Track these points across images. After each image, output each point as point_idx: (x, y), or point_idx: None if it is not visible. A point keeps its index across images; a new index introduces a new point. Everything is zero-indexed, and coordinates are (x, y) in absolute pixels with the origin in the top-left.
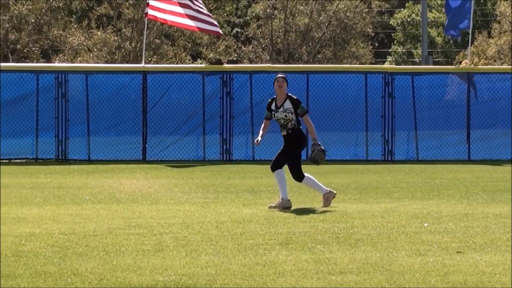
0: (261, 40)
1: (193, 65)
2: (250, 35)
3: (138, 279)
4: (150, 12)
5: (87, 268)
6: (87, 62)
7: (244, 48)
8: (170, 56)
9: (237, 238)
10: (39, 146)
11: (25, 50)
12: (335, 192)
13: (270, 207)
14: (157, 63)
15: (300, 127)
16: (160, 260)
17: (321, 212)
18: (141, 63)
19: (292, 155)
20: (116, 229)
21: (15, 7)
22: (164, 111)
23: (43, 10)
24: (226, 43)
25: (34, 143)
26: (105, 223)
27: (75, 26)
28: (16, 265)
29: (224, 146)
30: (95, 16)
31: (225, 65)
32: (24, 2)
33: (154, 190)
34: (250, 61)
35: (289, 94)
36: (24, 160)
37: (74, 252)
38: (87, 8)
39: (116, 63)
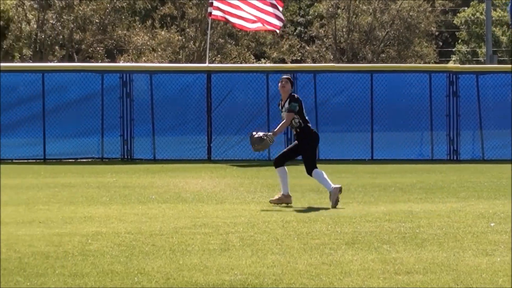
0: (324, 39)
1: (257, 64)
2: (314, 34)
3: (204, 279)
4: (214, 12)
5: (153, 267)
6: (151, 61)
7: (307, 48)
8: (234, 56)
9: (303, 238)
10: (105, 146)
11: (89, 50)
12: (339, 186)
13: (271, 201)
14: (221, 63)
15: (309, 124)
16: (226, 259)
17: (386, 212)
18: (205, 63)
19: (305, 151)
20: (182, 228)
21: (80, 7)
22: (229, 110)
23: (107, 10)
24: (290, 42)
25: (99, 142)
26: (171, 223)
27: (139, 26)
28: (83, 264)
29: (287, 146)
30: (159, 16)
31: (289, 64)
32: (89, 2)
33: (219, 190)
34: (314, 61)
35: (293, 94)
36: (90, 160)
37: (140, 251)
38: (150, 8)
39: (180, 63)
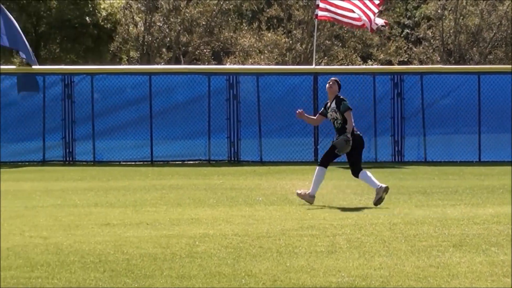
0: (431, 41)
1: (364, 66)
2: (421, 36)
3: (312, 281)
4: (320, 13)
5: (260, 269)
6: (258, 63)
7: (414, 49)
8: (341, 58)
9: (410, 240)
10: (212, 148)
11: (196, 52)
12: (385, 185)
13: (297, 192)
14: (328, 65)
15: (354, 128)
16: (333, 261)
17: (494, 214)
18: (312, 65)
19: (350, 154)
20: (289, 230)
21: (187, 10)
22: None
23: (214, 12)
24: (397, 44)
25: (206, 144)
26: (278, 225)
27: (246, 28)
28: (191, 266)
29: (395, 148)
30: (266, 18)
31: (395, 66)
32: (196, 4)
33: (326, 192)
34: (421, 62)
35: (338, 95)
36: (197, 162)
37: (247, 253)
38: (257, 10)
39: (286, 65)
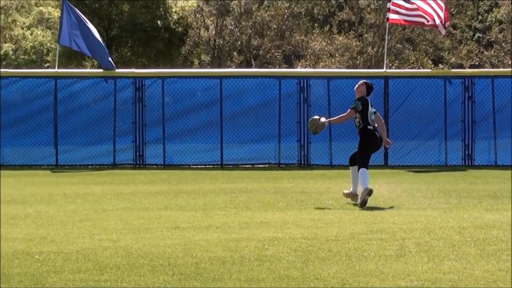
0: (503, 44)
1: (435, 69)
2: (492, 40)
3: (380, 284)
4: (391, 16)
5: (329, 273)
6: (329, 67)
7: (486, 53)
8: (412, 61)
9: (479, 244)
10: (282, 151)
11: (267, 56)
12: (371, 189)
13: (343, 193)
14: (399, 68)
15: (369, 126)
16: (402, 265)
17: None
18: (383, 68)
19: (359, 149)
20: (358, 234)
21: (258, 13)
22: (406, 116)
23: (285, 16)
24: (468, 47)
25: (276, 148)
26: (348, 228)
27: (317, 31)
28: (260, 269)
29: (466, 151)
30: (337, 21)
31: (466, 69)
32: (267, 8)
33: (396, 195)
34: (492, 66)
35: (364, 96)
36: (267, 165)
37: (316, 256)
38: (328, 13)
39: (357, 68)
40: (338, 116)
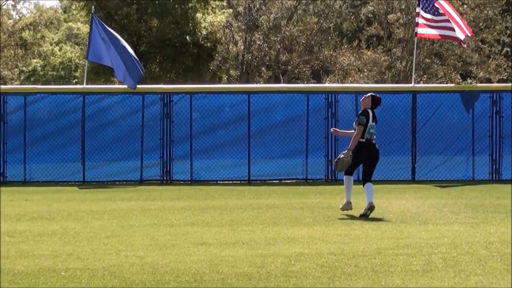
0: None
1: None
2: None
3: None
4: (420, 31)
5: None
6: (357, 82)
7: None
8: (440, 76)
9: (506, 259)
10: (309, 166)
11: (295, 71)
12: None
13: (341, 208)
14: (427, 83)
15: (362, 140)
16: (428, 280)
17: None
18: (411, 83)
19: (366, 163)
20: (385, 249)
21: (287, 28)
22: (433, 130)
23: (314, 31)
24: (496, 62)
25: (304, 163)
26: (374, 243)
27: (346, 46)
28: (286, 284)
29: (494, 166)
30: (365, 36)
31: (494, 84)
32: (296, 23)
33: (423, 210)
34: None
35: (366, 108)
36: (294, 181)
37: (343, 272)
38: (357, 28)
39: (386, 83)
40: (353, 138)
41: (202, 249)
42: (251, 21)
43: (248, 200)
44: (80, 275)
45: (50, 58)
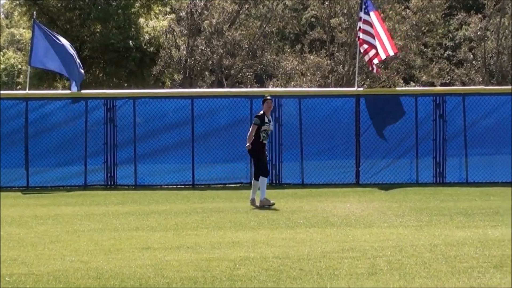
0: (473, 62)
1: (406, 88)
2: (462, 58)
3: None
4: (362, 35)
5: None
6: (300, 86)
7: (456, 71)
8: (383, 79)
9: (451, 261)
10: (253, 170)
11: (239, 75)
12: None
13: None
14: (370, 87)
15: (260, 139)
16: (373, 283)
17: None
18: (354, 87)
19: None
20: (330, 252)
21: (229, 33)
22: (377, 134)
23: (257, 35)
24: (439, 65)
25: (248, 167)
26: (319, 247)
27: (288, 50)
28: None
29: (437, 169)
30: (308, 40)
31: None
32: (238, 27)
33: (367, 214)
34: (463, 84)
35: (260, 112)
36: (238, 185)
37: (288, 275)
38: (300, 32)
39: (329, 87)
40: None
41: (147, 253)
42: (194, 25)
43: (192, 204)
44: (24, 281)
45: None
